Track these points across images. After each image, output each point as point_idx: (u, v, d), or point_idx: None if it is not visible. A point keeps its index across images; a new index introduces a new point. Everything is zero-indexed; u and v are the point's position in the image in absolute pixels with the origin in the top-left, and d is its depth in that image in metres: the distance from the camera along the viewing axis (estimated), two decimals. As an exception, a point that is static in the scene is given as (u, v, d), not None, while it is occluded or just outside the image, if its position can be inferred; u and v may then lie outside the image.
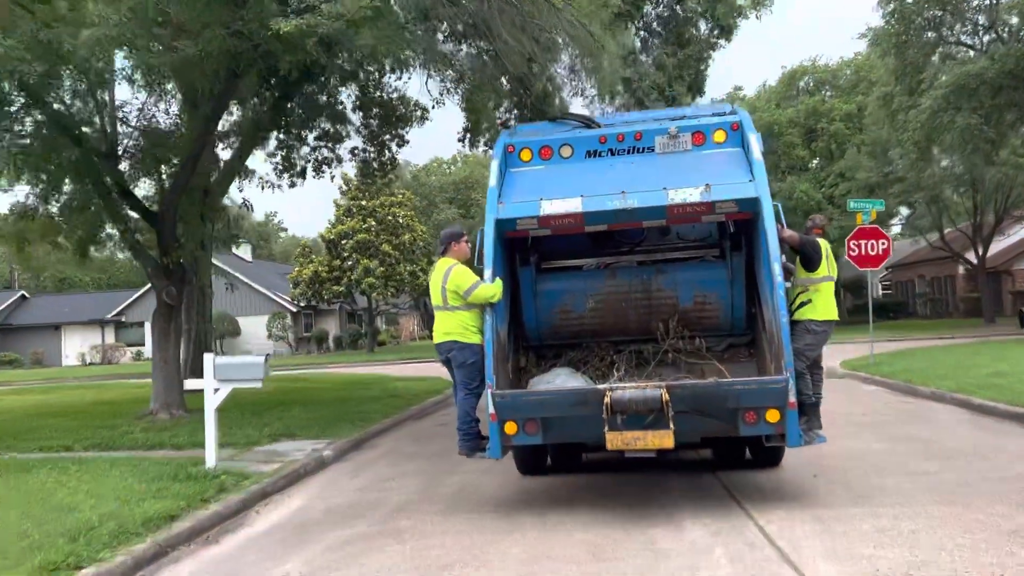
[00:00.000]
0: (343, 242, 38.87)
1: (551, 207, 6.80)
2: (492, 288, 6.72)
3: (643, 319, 7.78)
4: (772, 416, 6.11)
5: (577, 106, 18.28)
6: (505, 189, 7.25)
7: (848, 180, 36.69)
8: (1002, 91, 22.34)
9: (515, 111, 16.20)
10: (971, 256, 38.53)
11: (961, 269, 46.72)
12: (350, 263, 38.60)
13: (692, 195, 6.61)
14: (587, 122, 7.90)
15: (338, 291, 39.31)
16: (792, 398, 6.03)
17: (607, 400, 6.02)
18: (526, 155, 7.57)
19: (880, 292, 63.43)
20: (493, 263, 6.80)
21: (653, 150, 7.39)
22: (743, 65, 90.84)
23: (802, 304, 7.15)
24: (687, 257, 8.17)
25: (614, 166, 7.33)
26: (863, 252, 18.62)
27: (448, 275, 6.88)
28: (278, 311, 45.49)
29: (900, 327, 37.88)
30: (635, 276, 7.91)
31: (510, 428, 6.45)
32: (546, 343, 8.08)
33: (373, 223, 38.40)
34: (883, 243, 18.63)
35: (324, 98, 16.29)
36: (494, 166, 7.37)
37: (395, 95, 17.35)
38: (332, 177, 19.18)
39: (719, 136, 7.31)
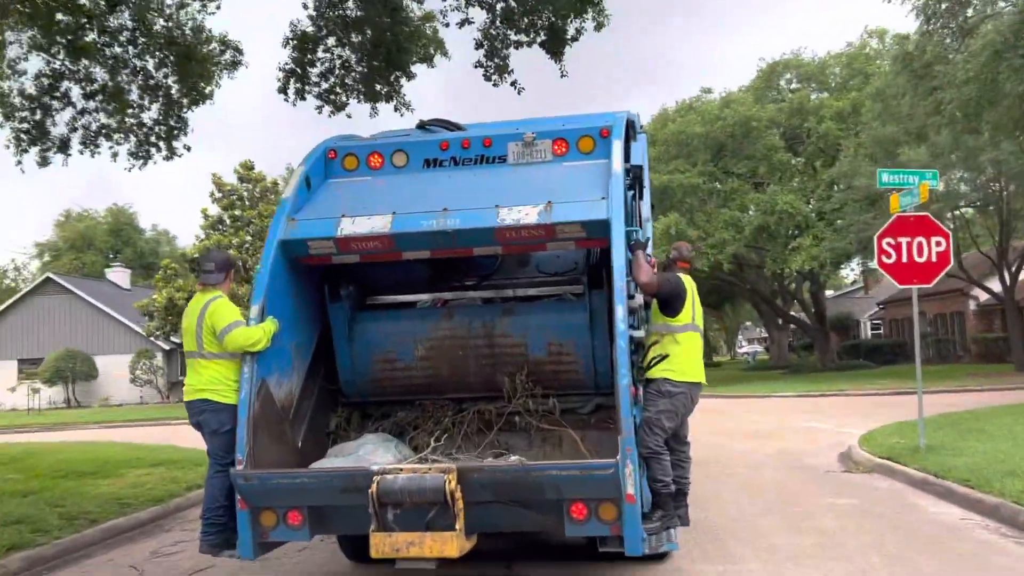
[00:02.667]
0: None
1: (352, 227, 5.82)
2: (253, 333, 5.58)
3: (487, 372, 6.57)
4: (607, 512, 4.93)
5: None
6: (309, 203, 6.26)
7: (844, 190, 29.19)
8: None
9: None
10: (993, 285, 31.13)
11: (972, 305, 39.64)
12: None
13: (528, 215, 5.62)
14: (456, 127, 7.09)
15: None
16: (630, 489, 4.81)
17: (372, 489, 4.88)
18: (351, 163, 6.64)
19: (869, 332, 56.53)
20: (264, 297, 5.72)
21: (505, 160, 6.43)
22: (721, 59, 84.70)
23: (657, 358, 5.79)
24: (540, 295, 6.92)
25: (453, 178, 6.40)
26: (904, 257, 10.91)
27: (205, 311, 5.73)
28: (145, 348, 37.14)
29: (904, 374, 30.27)
30: (476, 317, 6.66)
31: (267, 519, 5.38)
32: (371, 400, 6.83)
33: (249, 238, 30.46)
34: (939, 242, 10.92)
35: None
36: (298, 174, 6.39)
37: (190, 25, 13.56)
38: (115, 156, 14.61)
39: (585, 145, 6.32)
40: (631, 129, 6.90)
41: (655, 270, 6.22)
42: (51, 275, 42.37)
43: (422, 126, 7.30)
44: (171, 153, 15.22)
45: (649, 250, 6.47)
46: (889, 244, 11.01)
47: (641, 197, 6.67)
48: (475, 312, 6.81)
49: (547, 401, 6.45)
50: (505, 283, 7.17)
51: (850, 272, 63.70)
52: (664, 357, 5.88)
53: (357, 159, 6.67)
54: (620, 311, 5.17)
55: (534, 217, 5.61)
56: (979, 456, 9.90)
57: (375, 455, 5.98)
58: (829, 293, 70.08)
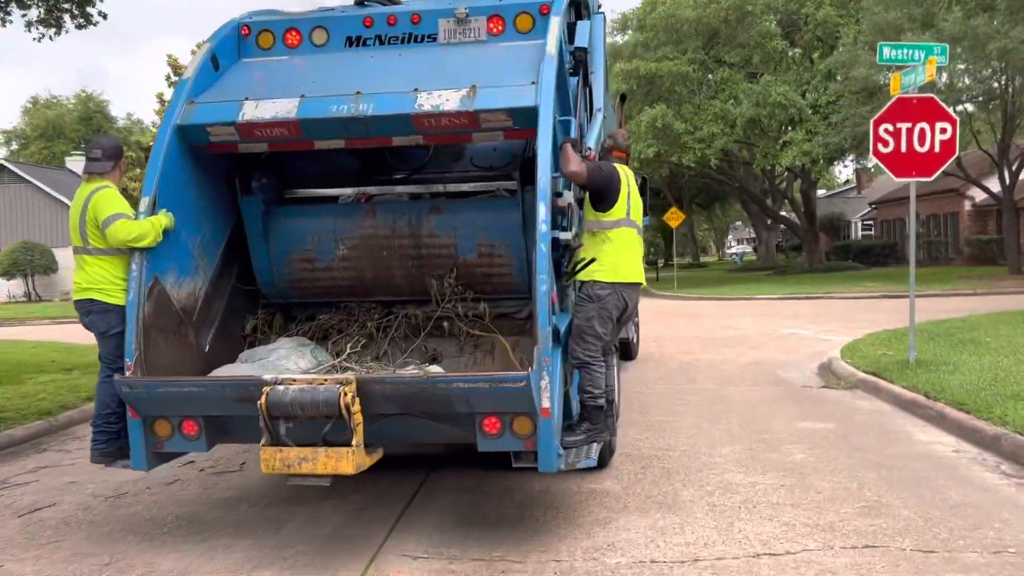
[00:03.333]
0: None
1: (256, 111, 5.36)
2: (137, 226, 5.11)
3: (413, 274, 6.26)
4: (522, 427, 4.59)
5: None
6: (216, 85, 5.77)
7: (841, 82, 27.34)
8: None
9: None
10: (992, 185, 29.73)
11: (968, 205, 38.37)
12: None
13: (449, 101, 5.16)
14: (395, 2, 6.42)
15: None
16: (546, 403, 4.47)
17: (262, 401, 4.50)
18: (266, 40, 6.15)
19: (860, 233, 55.42)
20: (156, 189, 5.25)
21: (436, 39, 6.00)
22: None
23: (583, 261, 5.38)
24: (472, 191, 6.47)
25: (376, 59, 5.96)
26: (904, 146, 9.48)
27: (88, 202, 5.32)
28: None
29: (894, 276, 29.23)
30: (401, 215, 6.22)
31: (162, 429, 5.04)
32: (294, 301, 6.51)
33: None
34: (944, 128, 9.46)
35: None
36: (203, 52, 5.85)
37: None
38: (28, 24, 13.50)
39: (523, 23, 5.91)
40: (581, 7, 6.46)
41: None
42: (5, 163, 40.24)
43: (360, 2, 6.58)
44: (85, 20, 13.76)
45: (592, 141, 6.05)
46: (887, 131, 9.53)
47: (586, 83, 6.13)
48: (400, 209, 6.34)
49: (478, 306, 6.18)
50: (435, 178, 6.73)
51: (843, 170, 62.17)
52: (591, 260, 5.42)
53: (273, 36, 6.19)
54: (542, 210, 4.73)
55: (455, 103, 5.16)
56: (976, 374, 8.71)
57: (287, 361, 5.70)
58: (821, 193, 68.56)
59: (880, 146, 9.56)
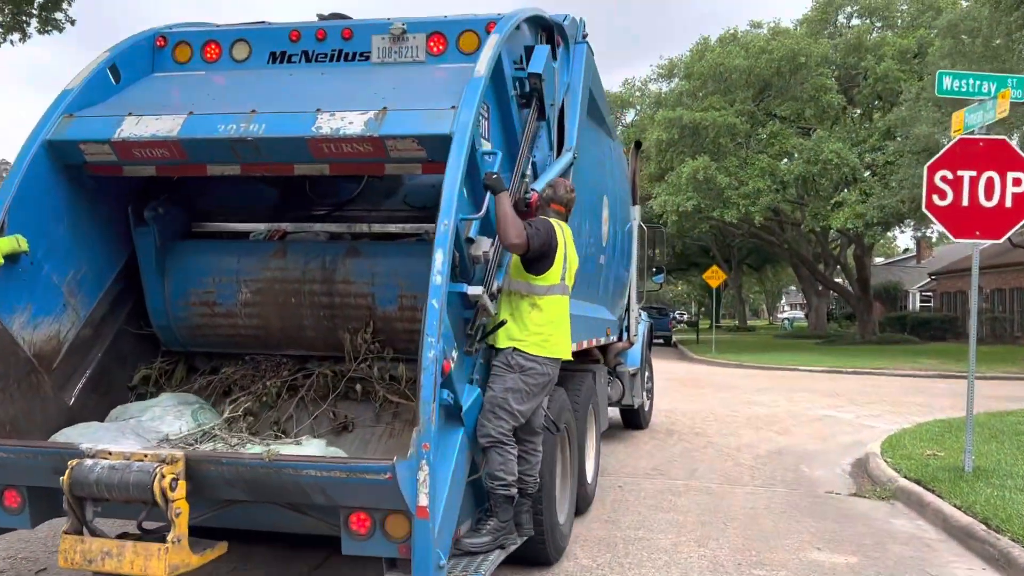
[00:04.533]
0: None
1: (135, 128, 4.81)
2: None
3: (325, 326, 5.50)
4: (396, 527, 3.87)
5: None
6: (111, 99, 5.25)
7: (900, 140, 25.32)
8: None
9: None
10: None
11: (1037, 280, 35.71)
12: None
13: (353, 124, 4.55)
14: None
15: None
16: (423, 500, 3.68)
17: (64, 477, 3.85)
18: (183, 53, 5.72)
19: (918, 305, 52.62)
20: (5, 209, 4.62)
21: (368, 57, 5.53)
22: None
23: (496, 324, 4.64)
24: (399, 233, 5.74)
25: (295, 76, 5.51)
26: (966, 199, 7.61)
27: None
28: None
29: (952, 353, 26.79)
30: (314, 256, 5.51)
31: None
32: (196, 350, 5.83)
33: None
34: (1018, 179, 7.56)
35: None
36: (97, 62, 5.35)
37: None
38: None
39: (468, 43, 5.40)
40: (555, 32, 5.87)
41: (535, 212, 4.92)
42: None
43: (323, 16, 6.07)
44: (51, 26, 12.70)
45: (539, 184, 5.21)
46: (945, 179, 7.67)
47: (543, 117, 5.32)
48: (313, 250, 5.64)
49: (396, 367, 5.46)
50: (358, 216, 5.96)
51: (900, 236, 59.50)
52: (502, 323, 4.68)
53: (191, 49, 5.76)
54: (438, 258, 4.10)
55: (359, 127, 4.55)
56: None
57: (160, 422, 5.08)
58: (879, 261, 65.87)
59: (935, 198, 7.69)
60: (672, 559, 5.63)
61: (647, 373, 11.66)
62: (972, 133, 7.76)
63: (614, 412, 11.48)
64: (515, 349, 4.66)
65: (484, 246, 4.46)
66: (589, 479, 7.09)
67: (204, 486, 3.98)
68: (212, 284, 5.70)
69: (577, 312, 6.78)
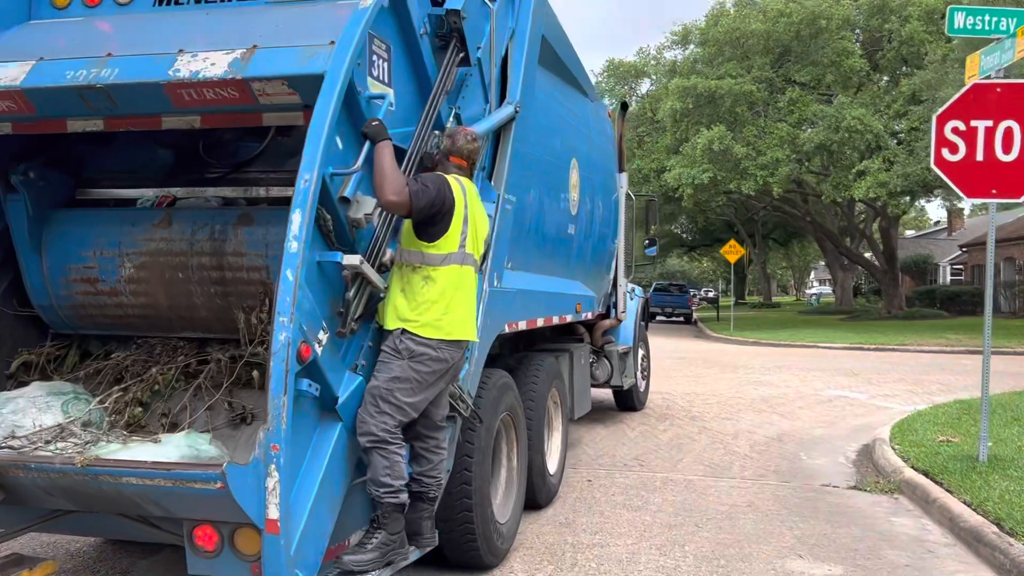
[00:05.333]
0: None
1: None
2: None
3: (218, 305, 4.81)
4: (248, 543, 3.43)
5: None
6: None
7: (925, 103, 24.07)
8: None
9: None
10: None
11: (1074, 251, 34.25)
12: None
13: (215, 65, 3.93)
14: None
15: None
16: (273, 513, 3.21)
17: None
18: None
19: (949, 278, 51.11)
20: None
21: None
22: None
23: (376, 300, 4.01)
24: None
25: (180, 18, 4.80)
26: (980, 153, 6.68)
27: None
28: None
29: (981, 327, 25.49)
30: (202, 225, 4.83)
31: None
32: (86, 333, 5.21)
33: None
34: (1040, 129, 6.60)
35: None
36: None
37: None
38: None
39: None
40: None
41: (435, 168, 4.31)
42: None
43: None
44: None
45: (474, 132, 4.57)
46: (956, 131, 6.74)
47: (468, 63, 4.79)
48: (202, 218, 5.01)
49: None
50: (256, 179, 5.31)
51: (931, 208, 57.82)
52: (381, 299, 4.03)
53: None
54: (296, 220, 3.51)
55: (220, 68, 3.91)
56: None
57: (22, 415, 4.55)
58: (909, 233, 64.15)
59: (945, 152, 6.77)
60: (625, 571, 4.84)
61: (641, 352, 10.86)
62: (988, 78, 6.80)
63: (605, 394, 10.71)
64: (404, 331, 3.96)
65: (367, 207, 3.83)
66: (551, 471, 6.36)
67: (21, 495, 3.60)
68: (93, 259, 5.16)
69: (528, 287, 6.02)
